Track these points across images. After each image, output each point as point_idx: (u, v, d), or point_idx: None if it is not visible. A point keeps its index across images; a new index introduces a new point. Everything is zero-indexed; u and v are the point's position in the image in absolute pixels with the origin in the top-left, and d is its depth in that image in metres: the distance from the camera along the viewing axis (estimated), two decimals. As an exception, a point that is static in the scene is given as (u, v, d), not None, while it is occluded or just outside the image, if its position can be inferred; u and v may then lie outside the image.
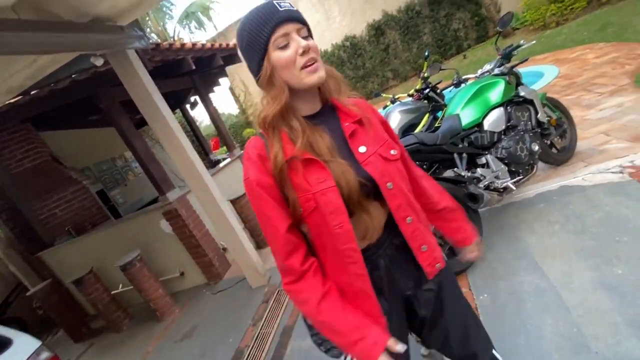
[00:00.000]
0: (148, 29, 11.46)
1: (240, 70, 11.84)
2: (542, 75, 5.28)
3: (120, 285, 3.90)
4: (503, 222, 2.35)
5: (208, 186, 2.99)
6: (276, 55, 0.75)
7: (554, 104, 2.64)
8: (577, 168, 2.54)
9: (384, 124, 0.96)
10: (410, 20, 10.12)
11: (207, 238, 3.71)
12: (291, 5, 0.77)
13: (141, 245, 3.71)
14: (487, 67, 2.45)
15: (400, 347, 0.76)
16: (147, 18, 11.03)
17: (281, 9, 0.74)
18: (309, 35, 0.79)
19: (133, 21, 2.63)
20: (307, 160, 0.77)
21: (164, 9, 11.40)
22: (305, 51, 0.75)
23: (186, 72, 4.38)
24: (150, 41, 3.09)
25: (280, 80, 0.77)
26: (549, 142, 2.58)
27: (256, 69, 0.79)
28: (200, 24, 11.51)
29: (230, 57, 5.20)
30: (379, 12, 10.49)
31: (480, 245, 1.08)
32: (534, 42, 2.51)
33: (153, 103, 2.78)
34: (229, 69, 11.26)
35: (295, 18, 0.76)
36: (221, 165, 5.00)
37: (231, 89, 12.82)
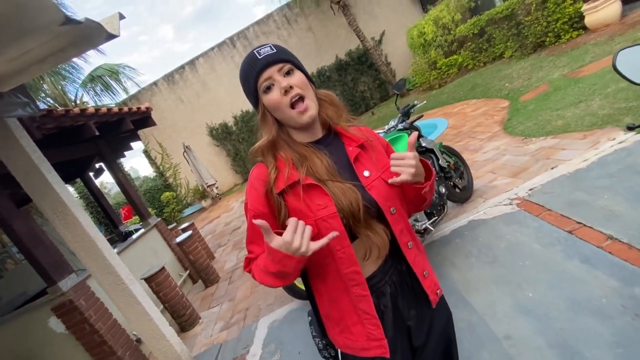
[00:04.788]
0: (43, 94, 10.32)
1: (157, 132, 11.25)
2: (435, 126, 6.21)
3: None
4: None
5: (113, 266, 2.55)
6: (265, 99, 0.83)
7: (450, 151, 3.06)
8: (478, 203, 2.90)
9: (387, 148, 0.97)
10: (323, 83, 11.23)
11: (115, 330, 3.05)
12: (271, 47, 0.82)
13: (22, 356, 2.87)
14: (392, 123, 2.76)
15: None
16: (43, 82, 10.01)
17: (260, 57, 0.81)
18: (295, 67, 0.84)
19: (18, 87, 2.31)
20: (309, 186, 0.79)
21: (64, 72, 10.52)
22: (287, 90, 0.80)
23: (89, 138, 3.95)
24: (44, 107, 2.73)
25: (271, 118, 0.85)
26: (452, 184, 2.93)
27: (256, 110, 0.88)
28: (107, 88, 10.84)
29: (143, 120, 4.90)
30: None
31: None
32: (425, 101, 2.95)
33: (40, 176, 2.37)
34: (145, 131, 10.75)
35: (273, 61, 0.81)
36: (134, 237, 4.40)
37: (146, 152, 11.98)
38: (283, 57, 0.82)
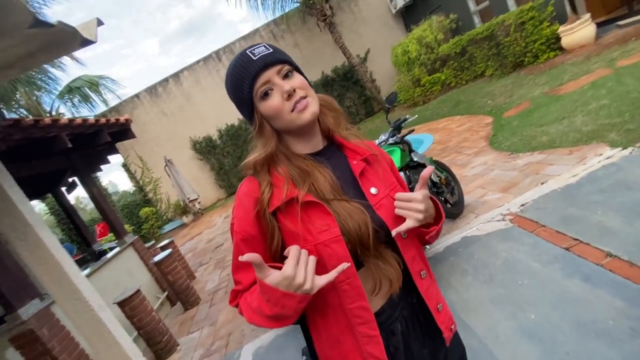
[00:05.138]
0: (16, 104, 9.84)
1: (138, 146, 10.91)
2: (422, 142, 6.24)
3: None
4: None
5: (81, 291, 2.31)
6: (262, 107, 0.71)
7: (440, 166, 3.02)
8: (470, 219, 2.84)
9: (392, 165, 0.86)
10: (309, 98, 11.27)
11: (81, 361, 2.76)
12: (267, 47, 0.72)
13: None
14: (383, 137, 2.70)
15: None
16: (16, 92, 9.57)
17: (255, 58, 0.70)
18: (293, 68, 0.74)
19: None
20: (308, 204, 0.68)
21: (39, 82, 10.11)
22: (290, 94, 0.69)
23: (62, 151, 3.70)
24: (11, 116, 2.51)
25: (269, 129, 0.74)
26: (443, 199, 2.87)
27: (249, 121, 0.76)
28: (85, 99, 10.48)
29: (122, 133, 4.67)
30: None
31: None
32: (416, 116, 2.91)
33: (1, 192, 2.14)
34: (125, 144, 10.38)
35: (272, 62, 0.70)
36: (108, 256, 4.10)
37: (125, 166, 11.55)
38: (281, 57, 0.71)
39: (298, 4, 10.01)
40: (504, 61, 6.80)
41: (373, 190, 0.74)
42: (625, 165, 2.43)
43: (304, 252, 0.61)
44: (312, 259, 0.61)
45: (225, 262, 5.14)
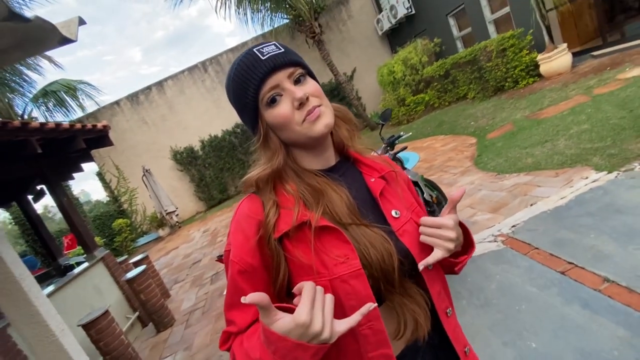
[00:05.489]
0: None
1: (115, 154, 10.47)
2: (407, 159, 6.30)
3: None
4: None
5: (41, 314, 2.06)
6: (269, 115, 0.62)
7: (431, 184, 2.98)
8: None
9: (409, 184, 0.76)
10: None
11: (36, 393, 2.45)
12: (277, 46, 0.62)
13: None
14: (375, 153, 2.64)
15: None
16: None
17: (264, 58, 0.60)
18: (306, 73, 0.64)
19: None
20: (323, 230, 0.57)
21: (13, 84, 9.59)
22: (302, 102, 0.60)
23: (31, 157, 3.43)
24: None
25: (276, 141, 0.64)
26: (434, 218, 2.82)
27: (252, 130, 0.66)
28: (61, 104, 10.01)
29: (98, 140, 4.41)
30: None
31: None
32: (411, 133, 2.89)
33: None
34: (100, 151, 9.92)
35: (283, 63, 0.60)
36: (75, 271, 3.77)
37: (100, 174, 11.01)
38: (294, 59, 0.62)
39: (288, 21, 10.13)
40: (485, 85, 7.05)
41: (395, 214, 0.64)
42: (612, 189, 2.48)
43: (320, 289, 0.50)
44: (330, 299, 0.50)
45: (202, 279, 4.86)
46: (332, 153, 0.69)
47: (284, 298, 0.59)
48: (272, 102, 0.60)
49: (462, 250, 0.68)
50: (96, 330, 2.74)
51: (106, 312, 2.84)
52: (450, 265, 0.68)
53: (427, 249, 0.62)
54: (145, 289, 3.59)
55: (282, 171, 0.64)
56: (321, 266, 0.55)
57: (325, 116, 0.61)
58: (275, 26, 10.54)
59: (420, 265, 0.59)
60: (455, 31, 8.85)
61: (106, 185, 10.99)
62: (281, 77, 0.60)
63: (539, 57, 5.94)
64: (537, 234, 2.38)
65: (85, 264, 3.81)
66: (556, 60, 5.65)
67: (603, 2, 5.84)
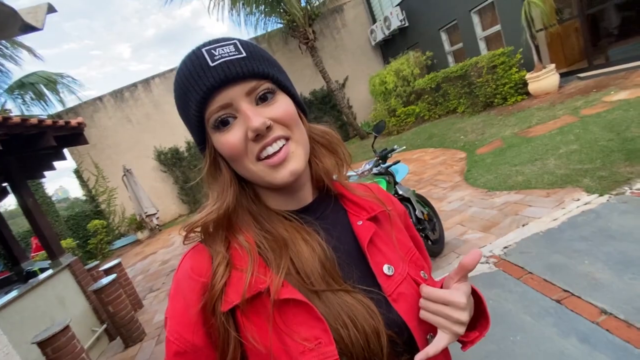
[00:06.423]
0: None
1: (95, 151, 10.05)
2: (397, 171, 6.25)
3: None
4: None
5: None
6: (216, 141, 0.47)
7: (422, 200, 2.89)
8: (451, 259, 2.70)
9: (405, 218, 0.63)
10: (284, 118, 11.13)
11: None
12: (238, 48, 0.45)
13: None
14: (367, 166, 2.53)
15: None
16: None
17: (213, 64, 0.43)
18: (278, 87, 0.48)
19: None
20: (286, 303, 0.42)
21: (-13, 74, 9.12)
22: (261, 134, 0.44)
23: (-7, 153, 3.15)
24: None
25: (227, 173, 0.49)
26: (424, 236, 2.72)
27: (200, 150, 0.51)
28: (39, 97, 9.56)
29: (72, 137, 4.15)
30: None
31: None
32: (404, 147, 2.79)
33: None
34: (79, 148, 9.49)
35: (240, 75, 0.43)
36: (37, 279, 3.47)
37: (77, 172, 10.52)
38: (259, 69, 0.45)
39: (282, 25, 10.05)
40: (475, 100, 7.11)
41: (387, 270, 0.49)
42: (604, 213, 2.43)
43: None
44: None
45: (180, 289, 4.60)
46: (308, 188, 0.54)
47: None
48: (222, 124, 0.45)
49: (471, 324, 0.53)
50: (53, 348, 2.48)
51: (66, 328, 2.58)
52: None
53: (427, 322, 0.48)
54: (114, 300, 3.33)
55: (233, 215, 0.48)
56: (284, 354, 0.41)
57: (294, 159, 0.46)
58: (269, 30, 10.44)
59: (419, 359, 0.44)
60: (447, 46, 8.95)
61: (83, 183, 10.51)
62: (236, 94, 0.44)
63: (528, 75, 6.02)
64: (530, 258, 2.29)
65: (49, 272, 3.51)
66: (544, 79, 5.73)
67: (588, 26, 5.99)
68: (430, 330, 0.48)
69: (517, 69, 6.26)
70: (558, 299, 1.86)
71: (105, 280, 3.39)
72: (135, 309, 4.08)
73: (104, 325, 3.66)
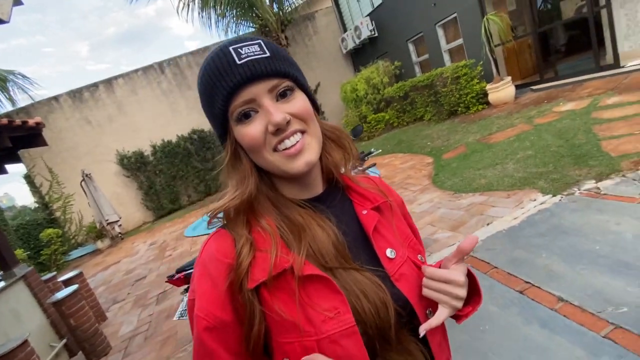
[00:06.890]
0: None
1: (48, 155, 9.33)
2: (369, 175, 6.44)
3: None
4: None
5: None
6: (237, 133, 0.51)
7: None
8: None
9: (402, 207, 0.67)
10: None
11: None
12: (262, 47, 0.49)
13: None
14: (369, 173, 2.60)
15: None
16: None
17: (240, 62, 0.47)
18: (296, 85, 0.52)
19: None
20: (308, 279, 0.47)
21: None
22: (281, 128, 0.48)
23: None
24: None
25: (247, 163, 0.53)
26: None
27: (220, 142, 0.56)
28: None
29: (29, 138, 3.86)
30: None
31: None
32: (380, 150, 2.90)
33: None
34: (30, 151, 8.77)
35: (264, 73, 0.48)
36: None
37: (28, 177, 9.71)
38: (281, 68, 0.50)
39: (254, 29, 10.01)
40: (440, 108, 7.51)
41: (390, 253, 0.55)
42: (557, 212, 2.68)
43: None
44: None
45: (147, 299, 4.39)
46: (319, 180, 0.59)
47: (260, 355, 0.48)
48: (245, 117, 0.49)
49: (465, 300, 0.60)
50: (9, 365, 2.28)
51: (25, 343, 2.38)
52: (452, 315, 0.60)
53: (427, 297, 0.54)
54: (76, 312, 3.12)
55: (254, 201, 0.52)
56: (307, 323, 0.45)
57: (309, 150, 0.51)
58: (241, 34, 10.35)
59: (422, 330, 0.50)
60: (414, 56, 9.38)
61: (35, 189, 9.71)
62: (260, 90, 0.48)
63: (488, 86, 6.47)
64: (495, 253, 2.47)
65: (2, 284, 3.22)
66: (502, 90, 6.20)
67: (540, 43, 6.58)
68: (429, 305, 0.54)
69: (478, 80, 6.71)
70: (521, 290, 2.03)
71: (66, 291, 3.17)
72: (99, 321, 3.83)
73: (64, 340, 3.40)
